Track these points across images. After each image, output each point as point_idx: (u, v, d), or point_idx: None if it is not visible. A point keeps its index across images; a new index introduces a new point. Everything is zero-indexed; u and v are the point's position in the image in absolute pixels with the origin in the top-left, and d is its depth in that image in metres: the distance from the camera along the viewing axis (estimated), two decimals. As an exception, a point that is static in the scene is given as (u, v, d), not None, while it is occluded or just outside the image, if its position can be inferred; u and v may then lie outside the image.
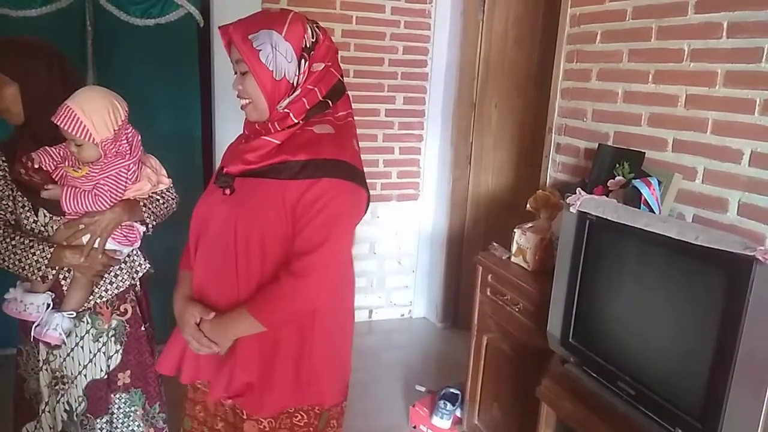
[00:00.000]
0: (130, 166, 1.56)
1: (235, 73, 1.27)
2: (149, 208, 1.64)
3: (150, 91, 2.82)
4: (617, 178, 1.88)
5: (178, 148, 2.86)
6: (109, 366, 1.68)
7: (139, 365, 1.73)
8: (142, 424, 1.76)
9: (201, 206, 1.37)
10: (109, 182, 1.53)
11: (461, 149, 3.44)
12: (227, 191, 1.29)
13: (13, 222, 1.57)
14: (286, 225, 1.24)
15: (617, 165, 1.90)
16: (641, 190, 1.71)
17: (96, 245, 1.56)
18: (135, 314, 1.72)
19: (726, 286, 1.24)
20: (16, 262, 1.51)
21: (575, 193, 1.64)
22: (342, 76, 1.33)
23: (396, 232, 3.65)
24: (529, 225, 2.12)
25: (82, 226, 1.54)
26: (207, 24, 2.93)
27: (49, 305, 1.57)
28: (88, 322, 1.64)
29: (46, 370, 1.65)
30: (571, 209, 1.61)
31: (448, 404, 2.48)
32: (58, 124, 1.44)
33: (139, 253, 1.72)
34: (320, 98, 1.27)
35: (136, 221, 1.63)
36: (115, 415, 1.72)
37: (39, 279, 1.55)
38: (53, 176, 1.54)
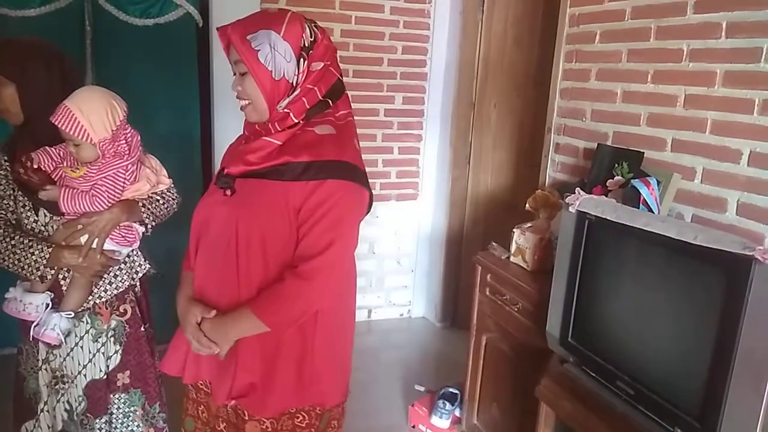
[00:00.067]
0: (129, 167, 1.55)
1: (234, 74, 1.27)
2: (148, 209, 1.64)
3: (149, 91, 2.81)
4: (616, 177, 1.89)
5: (177, 148, 2.86)
6: (108, 366, 1.68)
7: (138, 365, 1.73)
8: (141, 425, 1.76)
9: (202, 207, 1.37)
10: (106, 183, 1.52)
11: (460, 149, 3.44)
12: (228, 192, 1.28)
13: (13, 222, 1.57)
14: (288, 226, 1.24)
15: (616, 165, 1.90)
16: (640, 190, 1.71)
17: (94, 245, 1.56)
18: (134, 315, 1.71)
19: (725, 285, 1.24)
20: (16, 262, 1.51)
21: (574, 193, 1.64)
22: (341, 76, 1.33)
23: (395, 231, 3.65)
24: (528, 225, 2.12)
25: (80, 227, 1.54)
26: (206, 24, 2.93)
27: (48, 305, 1.57)
28: (87, 322, 1.64)
29: (46, 369, 1.65)
30: (570, 209, 1.62)
31: (447, 404, 2.48)
32: (56, 123, 1.44)
33: (138, 253, 1.72)
34: (320, 97, 1.27)
35: (134, 222, 1.62)
36: (114, 416, 1.72)
37: (38, 279, 1.55)
38: (53, 176, 1.54)
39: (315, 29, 1.27)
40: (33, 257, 1.51)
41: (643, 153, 1.89)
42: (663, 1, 1.86)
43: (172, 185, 1.74)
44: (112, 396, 1.70)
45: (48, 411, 1.67)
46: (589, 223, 1.59)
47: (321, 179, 1.21)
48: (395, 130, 3.52)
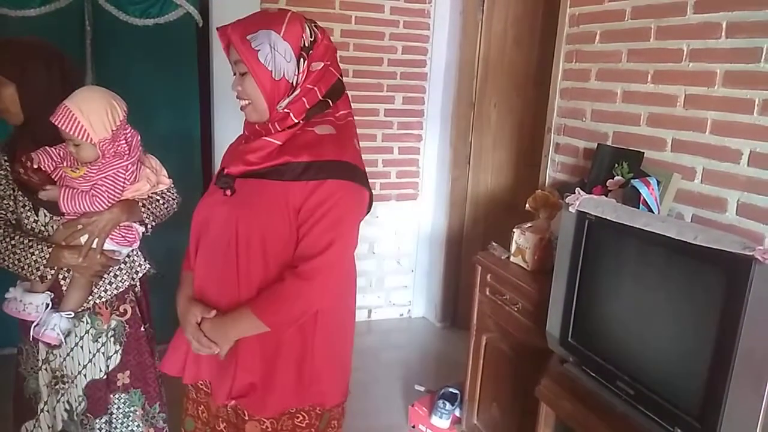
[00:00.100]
0: (128, 167, 1.55)
1: (234, 74, 1.27)
2: (148, 209, 1.64)
3: (149, 91, 2.81)
4: (616, 177, 1.89)
5: (177, 148, 2.86)
6: (108, 366, 1.68)
7: (138, 366, 1.73)
8: (141, 425, 1.76)
9: (202, 207, 1.36)
10: (106, 183, 1.52)
11: (460, 149, 3.44)
12: (228, 192, 1.28)
13: (13, 222, 1.57)
14: (288, 226, 1.24)
15: (616, 165, 1.90)
16: (640, 190, 1.71)
17: (94, 245, 1.55)
18: (134, 315, 1.71)
19: (725, 285, 1.24)
20: (16, 262, 1.52)
21: (574, 193, 1.64)
22: (341, 75, 1.33)
23: (395, 231, 3.65)
24: (528, 225, 2.12)
25: (80, 227, 1.54)
26: (206, 24, 2.93)
27: (48, 305, 1.57)
28: (87, 322, 1.64)
29: (46, 369, 1.65)
30: (570, 209, 1.62)
31: (447, 404, 2.48)
32: (56, 123, 1.44)
33: (139, 253, 1.72)
34: (320, 97, 1.27)
35: (134, 222, 1.62)
36: (114, 416, 1.71)
37: (38, 279, 1.55)
38: (53, 176, 1.54)
39: (315, 29, 1.27)
40: (33, 257, 1.51)
41: (643, 153, 1.89)
42: (663, 1, 1.86)
43: (173, 185, 1.74)
44: (112, 396, 1.70)
45: (48, 411, 1.67)
46: (589, 223, 1.59)
47: (321, 179, 1.21)
48: (395, 130, 3.52)
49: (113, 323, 1.67)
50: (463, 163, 3.47)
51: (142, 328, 1.74)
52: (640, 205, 1.70)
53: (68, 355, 1.64)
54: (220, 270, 1.30)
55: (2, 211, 1.56)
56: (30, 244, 1.52)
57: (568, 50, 2.29)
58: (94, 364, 1.66)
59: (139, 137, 1.60)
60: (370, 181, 1.33)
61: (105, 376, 1.68)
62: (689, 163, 1.79)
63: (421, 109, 3.54)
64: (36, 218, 1.57)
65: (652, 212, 1.69)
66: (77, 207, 1.51)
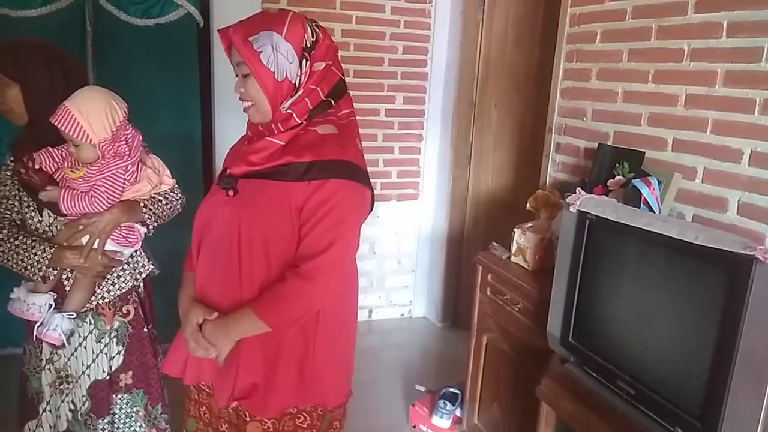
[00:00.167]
0: (128, 167, 1.55)
1: (236, 75, 1.27)
2: (150, 209, 1.64)
3: (150, 91, 2.82)
4: (617, 177, 1.89)
5: (177, 149, 2.85)
6: (111, 367, 1.68)
7: (141, 366, 1.73)
8: (144, 425, 1.76)
9: (204, 207, 1.37)
10: (105, 183, 1.52)
11: (461, 149, 3.44)
12: (230, 192, 1.29)
13: (18, 222, 1.58)
14: (290, 226, 1.24)
15: (617, 164, 1.90)
16: (641, 190, 1.71)
17: (95, 246, 1.56)
18: (137, 315, 1.72)
19: (726, 285, 1.24)
20: (19, 262, 1.52)
21: (575, 193, 1.64)
22: (343, 75, 1.33)
23: (396, 231, 3.65)
24: (529, 225, 2.12)
25: (81, 227, 1.54)
26: (207, 24, 2.93)
27: (51, 305, 1.58)
28: (90, 323, 1.65)
29: (49, 369, 1.65)
30: (571, 209, 1.62)
31: (448, 404, 2.48)
32: (56, 124, 1.44)
33: (142, 254, 1.72)
34: (322, 98, 1.27)
35: (136, 222, 1.62)
36: (116, 416, 1.72)
37: (40, 279, 1.55)
38: (55, 177, 1.54)
39: (316, 29, 1.27)
40: (35, 257, 1.52)
41: (644, 153, 1.89)
42: (664, 1, 1.86)
43: (176, 185, 1.74)
44: (114, 396, 1.71)
45: (50, 411, 1.68)
46: (590, 223, 1.59)
47: (323, 179, 1.21)
48: (396, 130, 3.52)
49: (116, 324, 1.68)
50: (464, 163, 3.47)
51: (145, 329, 1.74)
52: (641, 204, 1.70)
53: (72, 355, 1.64)
54: (222, 270, 1.30)
55: (7, 212, 1.57)
56: (33, 244, 1.53)
57: (569, 50, 2.29)
58: (98, 364, 1.66)
59: (140, 138, 1.60)
60: (371, 181, 1.33)
61: (108, 377, 1.68)
62: (690, 163, 1.79)
63: (422, 109, 3.54)
64: (40, 219, 1.58)
65: (653, 212, 1.69)
66: (77, 208, 1.51)
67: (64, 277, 1.60)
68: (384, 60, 3.38)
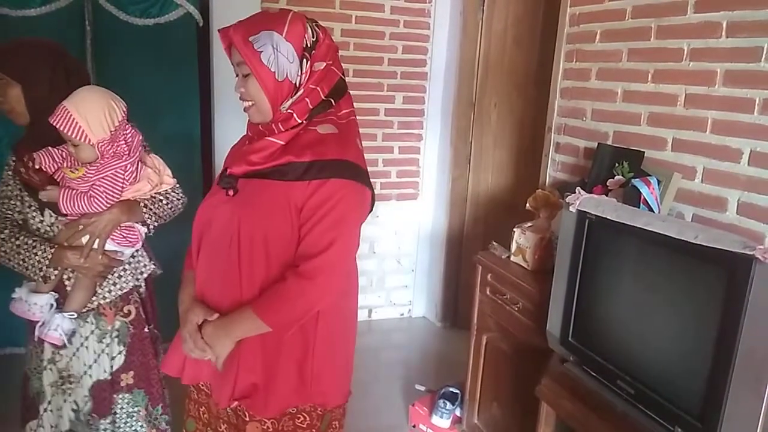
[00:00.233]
0: (127, 167, 1.55)
1: (237, 75, 1.27)
2: (150, 209, 1.64)
3: (149, 90, 2.81)
4: (617, 177, 1.89)
5: (177, 148, 2.84)
6: (112, 367, 1.68)
7: (142, 366, 1.73)
8: (144, 425, 1.76)
9: (204, 207, 1.36)
10: (104, 183, 1.52)
11: (461, 148, 3.45)
12: (231, 192, 1.28)
13: (20, 222, 1.58)
14: (290, 226, 1.24)
15: (617, 164, 1.91)
16: (641, 190, 1.71)
17: (95, 246, 1.56)
18: (139, 315, 1.72)
19: (725, 285, 1.24)
20: (20, 262, 1.52)
21: (575, 193, 1.64)
22: (343, 75, 1.33)
23: (395, 231, 3.65)
24: (529, 224, 2.12)
25: (80, 227, 1.54)
26: (206, 23, 2.93)
27: (52, 305, 1.58)
28: (92, 323, 1.65)
29: (51, 369, 1.65)
30: (571, 208, 1.62)
31: (448, 403, 2.48)
32: (54, 124, 1.44)
33: (144, 254, 1.72)
34: (323, 97, 1.27)
35: (136, 222, 1.62)
36: (118, 416, 1.72)
37: (41, 279, 1.55)
38: (55, 177, 1.54)
39: (317, 29, 1.27)
40: (36, 257, 1.52)
41: (644, 152, 1.89)
42: (663, 1, 1.86)
43: (177, 185, 1.73)
44: (115, 396, 1.71)
45: (51, 411, 1.67)
46: (589, 223, 1.59)
47: (323, 178, 1.21)
48: (395, 130, 3.52)
49: (117, 324, 1.67)
50: (464, 163, 3.47)
51: (146, 329, 1.74)
52: (641, 204, 1.70)
53: (74, 355, 1.64)
54: (222, 270, 1.30)
55: (9, 212, 1.57)
56: (34, 244, 1.53)
57: (569, 50, 2.29)
58: (99, 364, 1.66)
59: (140, 137, 1.60)
60: (371, 180, 1.33)
61: (110, 377, 1.68)
62: (690, 163, 1.79)
63: (422, 108, 3.54)
64: (42, 219, 1.58)
65: (653, 212, 1.69)
66: (76, 208, 1.51)
67: (65, 277, 1.60)
68: (383, 59, 3.38)
